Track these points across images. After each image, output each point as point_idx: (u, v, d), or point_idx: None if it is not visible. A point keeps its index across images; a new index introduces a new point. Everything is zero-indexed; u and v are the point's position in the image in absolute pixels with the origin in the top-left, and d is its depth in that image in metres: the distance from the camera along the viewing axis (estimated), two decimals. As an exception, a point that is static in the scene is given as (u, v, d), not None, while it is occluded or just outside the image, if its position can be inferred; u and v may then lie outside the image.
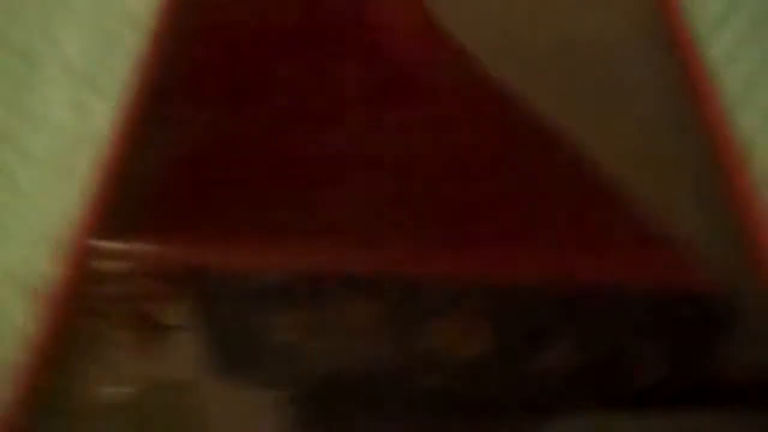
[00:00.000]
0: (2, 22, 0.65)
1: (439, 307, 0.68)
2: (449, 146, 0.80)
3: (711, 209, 0.76)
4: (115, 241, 0.73)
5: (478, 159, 0.80)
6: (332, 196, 0.75)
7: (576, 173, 0.78)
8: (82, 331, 0.67)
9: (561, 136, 0.81)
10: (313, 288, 0.70)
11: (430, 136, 0.82)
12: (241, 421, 0.68)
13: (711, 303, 0.69)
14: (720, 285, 0.71)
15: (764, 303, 0.68)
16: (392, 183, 0.78)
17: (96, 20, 0.79)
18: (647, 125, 0.83)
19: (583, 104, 0.84)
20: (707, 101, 0.83)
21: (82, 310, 0.68)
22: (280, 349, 0.68)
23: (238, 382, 0.69)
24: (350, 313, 0.68)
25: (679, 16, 0.91)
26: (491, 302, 0.69)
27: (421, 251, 0.72)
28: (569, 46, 0.90)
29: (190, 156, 0.80)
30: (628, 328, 0.67)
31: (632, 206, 0.75)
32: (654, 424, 0.65)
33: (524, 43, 0.90)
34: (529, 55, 0.90)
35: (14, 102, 0.66)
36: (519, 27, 0.94)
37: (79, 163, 0.73)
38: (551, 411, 0.65)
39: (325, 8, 0.96)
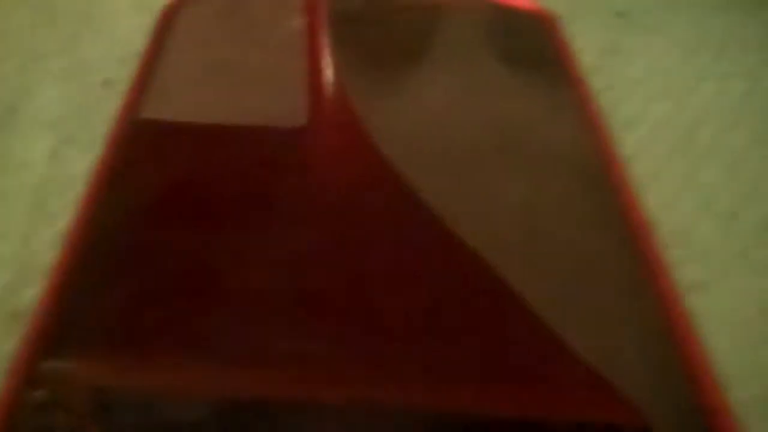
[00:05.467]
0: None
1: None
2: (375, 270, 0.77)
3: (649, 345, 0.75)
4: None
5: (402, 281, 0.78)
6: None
7: (503, 301, 0.77)
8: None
9: (487, 264, 0.80)
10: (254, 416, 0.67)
11: (356, 259, 0.80)
12: None
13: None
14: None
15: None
16: (330, 314, 0.76)
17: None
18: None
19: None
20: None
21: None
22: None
23: None
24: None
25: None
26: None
27: (352, 383, 0.71)
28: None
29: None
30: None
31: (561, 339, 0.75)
32: None
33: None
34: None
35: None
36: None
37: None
38: None
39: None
